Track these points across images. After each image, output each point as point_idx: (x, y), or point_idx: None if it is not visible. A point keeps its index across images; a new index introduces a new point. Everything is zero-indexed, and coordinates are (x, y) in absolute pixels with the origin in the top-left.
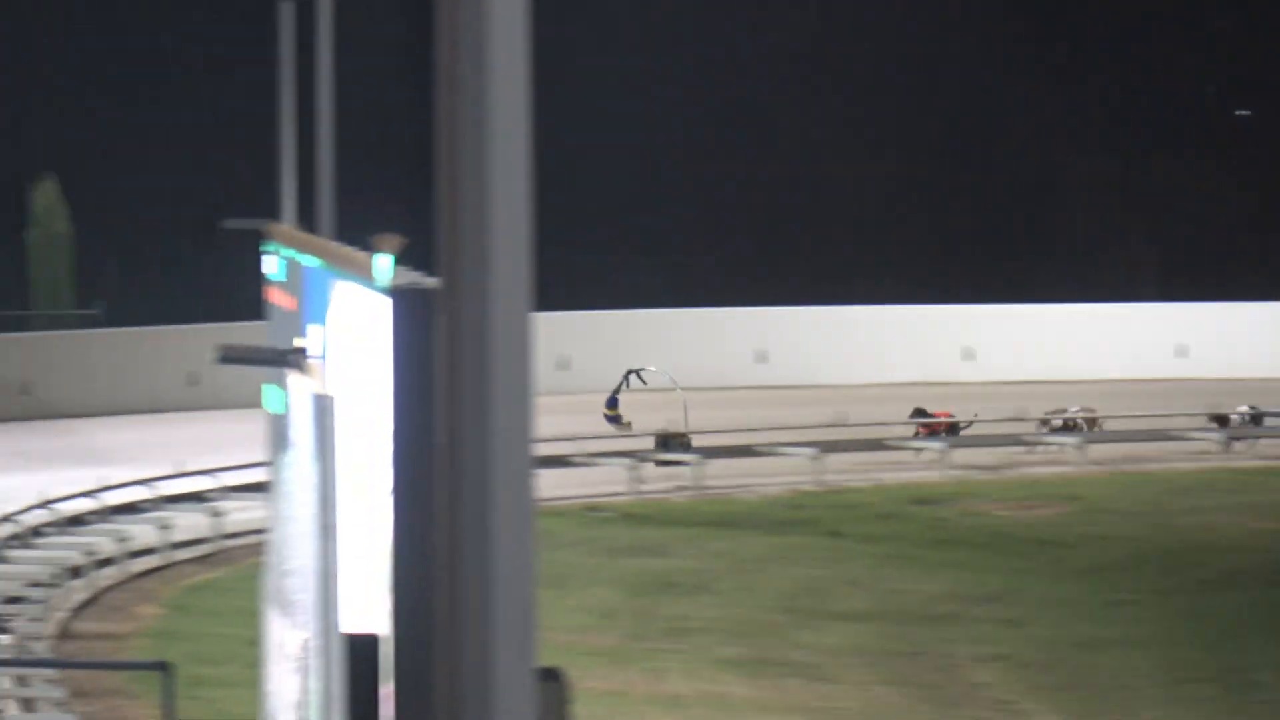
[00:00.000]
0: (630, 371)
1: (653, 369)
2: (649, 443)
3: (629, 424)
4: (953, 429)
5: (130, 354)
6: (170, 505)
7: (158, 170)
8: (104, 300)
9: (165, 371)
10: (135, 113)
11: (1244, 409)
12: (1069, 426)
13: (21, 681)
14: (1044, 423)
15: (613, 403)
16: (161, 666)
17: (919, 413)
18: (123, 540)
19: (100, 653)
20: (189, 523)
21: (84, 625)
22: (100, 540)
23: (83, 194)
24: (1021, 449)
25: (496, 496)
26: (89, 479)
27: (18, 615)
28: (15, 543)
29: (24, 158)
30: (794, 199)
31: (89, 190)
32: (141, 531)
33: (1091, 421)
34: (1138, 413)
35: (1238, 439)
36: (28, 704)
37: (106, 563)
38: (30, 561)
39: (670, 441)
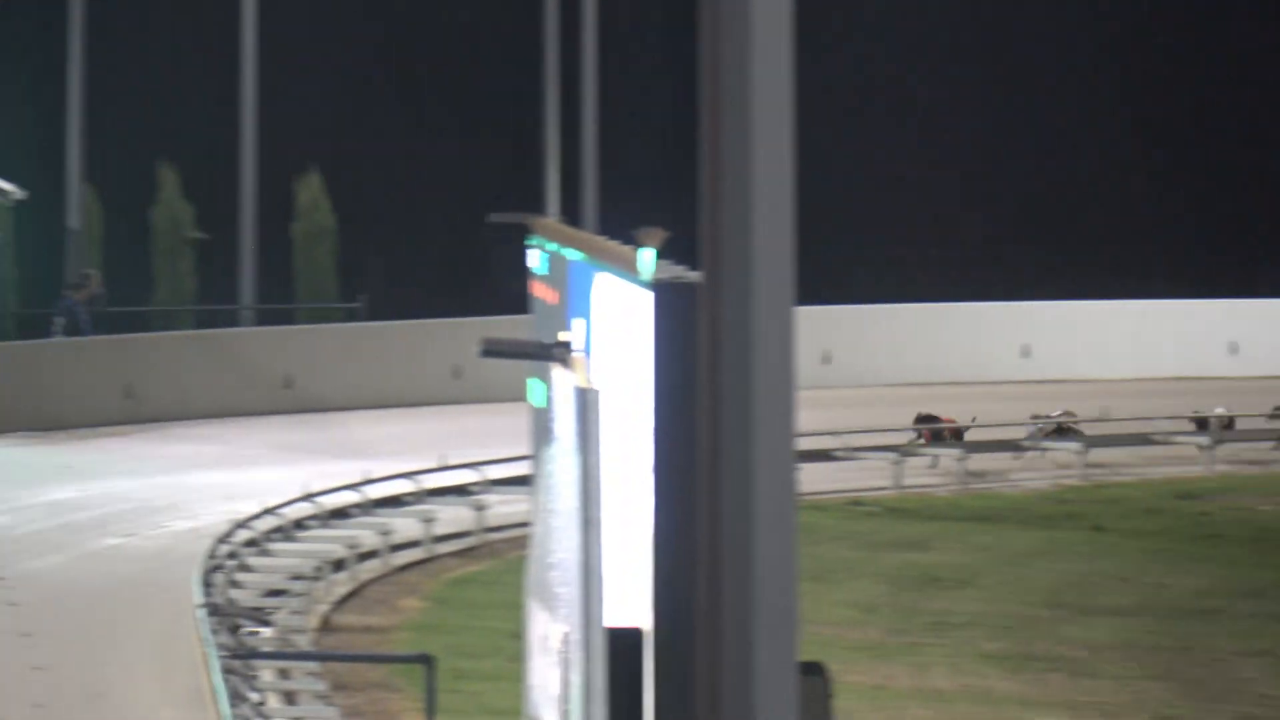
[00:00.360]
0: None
1: None
2: (909, 436)
3: None
4: (957, 434)
5: (393, 347)
6: (433, 498)
7: (422, 164)
8: (367, 294)
9: (428, 365)
10: (400, 106)
11: (1220, 410)
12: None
13: (283, 674)
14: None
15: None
16: (424, 660)
17: (926, 419)
18: (385, 533)
19: (362, 646)
20: (452, 516)
21: (346, 618)
22: (363, 533)
23: (346, 188)
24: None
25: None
26: (352, 472)
27: (280, 608)
28: (278, 536)
29: (288, 152)
30: (1062, 194)
31: (352, 184)
32: (404, 525)
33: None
34: None
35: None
36: (289, 696)
37: (369, 556)
38: (293, 554)
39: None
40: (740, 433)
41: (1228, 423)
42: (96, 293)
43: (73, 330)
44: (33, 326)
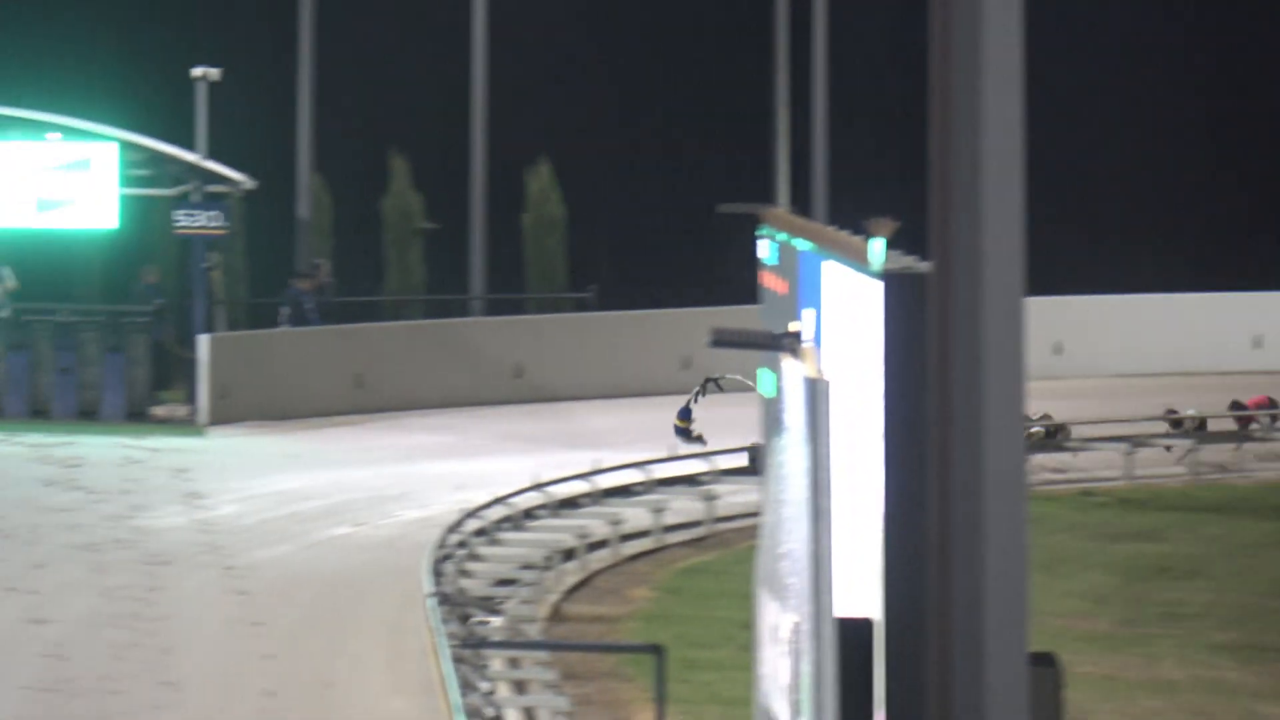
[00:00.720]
0: (709, 380)
1: (732, 376)
2: (1143, 428)
3: (699, 437)
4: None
5: (622, 337)
6: (663, 488)
7: (651, 154)
8: (597, 284)
9: (658, 355)
10: (630, 96)
11: (1191, 412)
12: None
13: (513, 663)
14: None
15: (685, 414)
16: (654, 649)
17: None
18: (615, 523)
19: (592, 635)
20: (682, 506)
21: (576, 608)
22: (592, 523)
23: (576, 177)
24: None
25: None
26: (581, 461)
27: (510, 597)
28: (508, 525)
29: (519, 142)
30: None
31: (582, 174)
32: (634, 514)
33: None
34: None
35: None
36: (519, 686)
37: (599, 545)
38: (523, 544)
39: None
40: (970, 422)
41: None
42: (325, 282)
43: (298, 320)
44: (263, 316)
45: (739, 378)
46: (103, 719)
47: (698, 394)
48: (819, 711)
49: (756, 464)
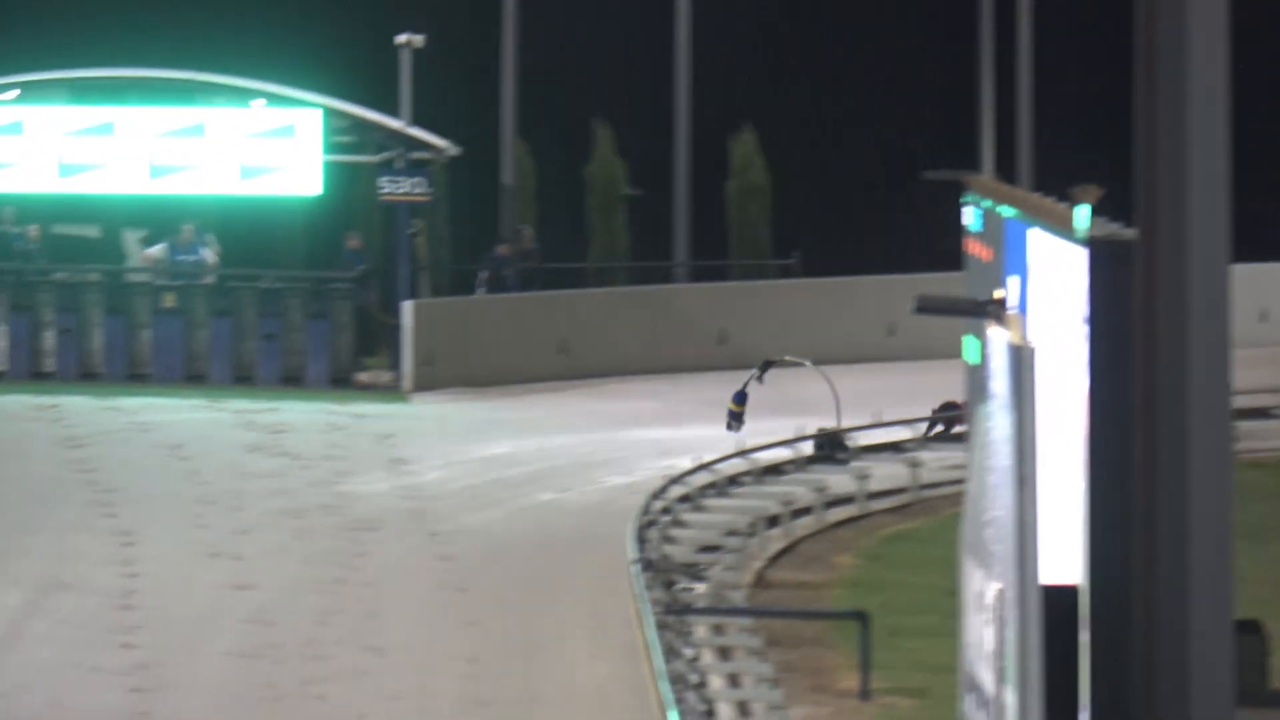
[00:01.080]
0: (767, 363)
1: (789, 358)
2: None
3: (737, 428)
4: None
5: (826, 304)
6: (867, 455)
7: (855, 119)
8: (800, 250)
9: (862, 321)
10: (833, 61)
11: None
12: None
13: (717, 630)
14: None
15: (740, 398)
16: (858, 616)
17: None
18: (819, 490)
19: (796, 602)
20: (886, 473)
21: (780, 574)
22: (797, 490)
23: (780, 143)
24: None
25: (1193, 447)
26: (786, 428)
27: (715, 564)
28: (712, 491)
29: (723, 108)
30: None
31: (786, 140)
32: (838, 481)
33: None
34: None
35: None
36: (724, 652)
37: (803, 512)
38: (727, 510)
39: None
40: (1176, 389)
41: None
42: (529, 249)
43: (497, 286)
44: (466, 283)
45: (795, 359)
46: (306, 685)
47: (755, 378)
48: (1023, 679)
49: (824, 449)
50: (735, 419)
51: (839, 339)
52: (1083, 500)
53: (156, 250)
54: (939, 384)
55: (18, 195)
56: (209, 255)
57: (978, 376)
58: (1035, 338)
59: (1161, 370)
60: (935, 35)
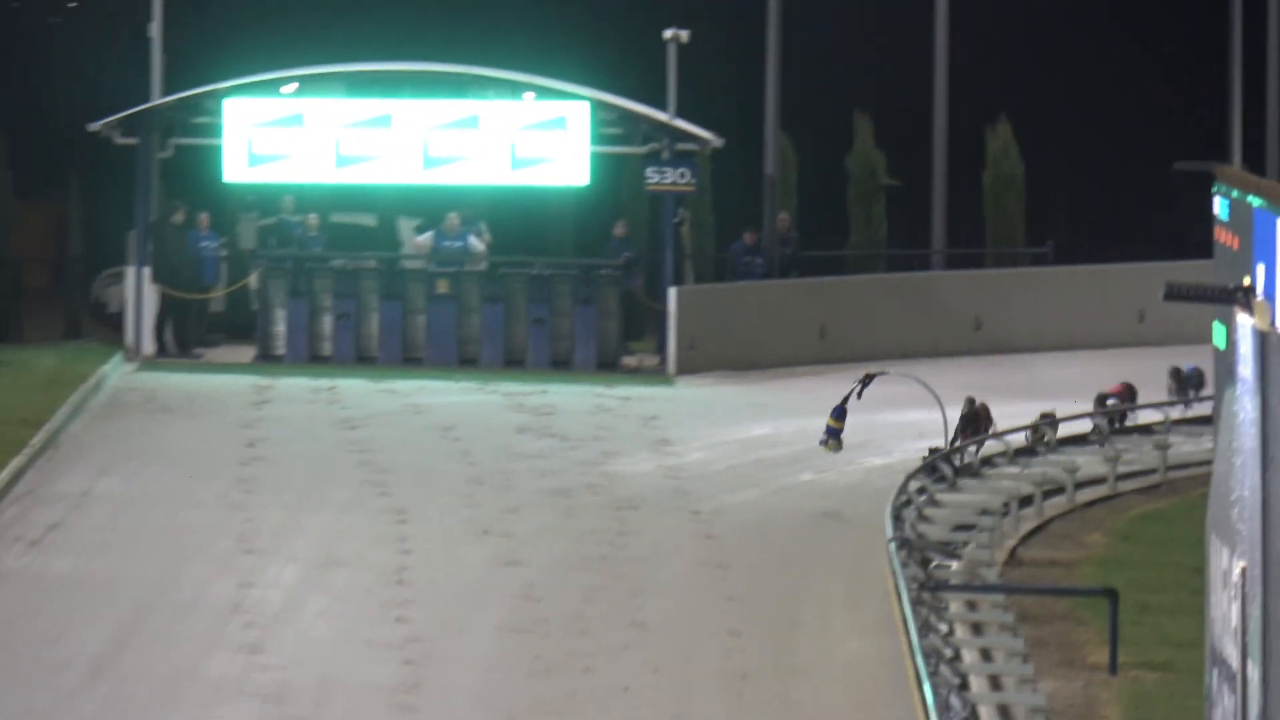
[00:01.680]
0: (868, 377)
1: (890, 371)
2: None
3: (835, 446)
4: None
5: (1078, 291)
6: (1116, 437)
7: (1105, 111)
8: (1053, 239)
9: (1113, 308)
10: (1084, 56)
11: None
12: None
13: (971, 606)
14: None
15: (840, 414)
16: (1108, 593)
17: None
18: (1071, 471)
19: (1047, 579)
20: (1135, 455)
21: (1032, 552)
22: (1049, 470)
23: (1034, 136)
24: None
25: None
26: (1037, 410)
27: (969, 542)
28: (965, 474)
29: (980, 102)
30: None
31: (1040, 132)
32: (1088, 463)
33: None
34: None
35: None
36: (977, 627)
37: (1055, 492)
38: (980, 490)
39: None
40: None
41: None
42: (787, 236)
43: (744, 274)
44: (729, 270)
45: (895, 372)
46: (572, 658)
47: (855, 393)
48: (1267, 654)
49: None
50: (833, 435)
51: (1090, 325)
52: None
53: (424, 238)
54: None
55: (297, 185)
56: (476, 243)
57: (1225, 361)
58: None
59: None
60: (1185, 28)
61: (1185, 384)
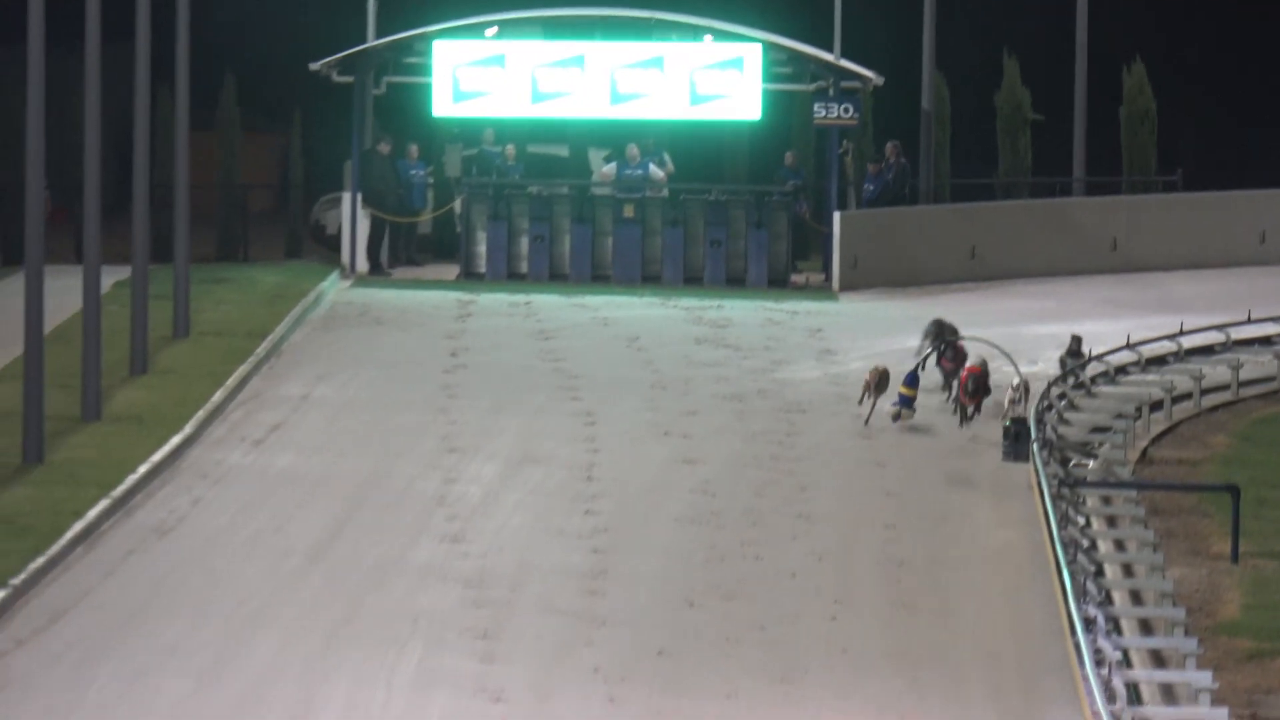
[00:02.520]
0: (942, 342)
1: (966, 336)
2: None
3: (909, 415)
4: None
5: (1205, 215)
6: (1240, 348)
7: (1231, 51)
8: (1181, 168)
9: (1237, 230)
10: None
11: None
12: None
13: (1106, 501)
14: None
15: (912, 380)
16: (1230, 489)
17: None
18: (1197, 378)
19: (1175, 476)
20: (1257, 363)
21: (1161, 452)
22: (1178, 378)
23: (1168, 72)
24: None
25: None
26: (1169, 325)
27: (1105, 443)
28: (1103, 379)
29: (1118, 43)
30: None
31: (1174, 68)
32: (1214, 371)
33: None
34: None
35: None
36: (1111, 520)
37: (1183, 398)
38: (1115, 397)
39: None
40: None
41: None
42: (896, 162)
43: (866, 198)
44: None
45: (973, 337)
46: (744, 547)
47: (928, 359)
48: None
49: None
50: (905, 404)
51: (1216, 246)
52: None
53: (609, 168)
54: None
55: (497, 119)
56: (656, 171)
57: None
58: None
59: None
60: None
61: None
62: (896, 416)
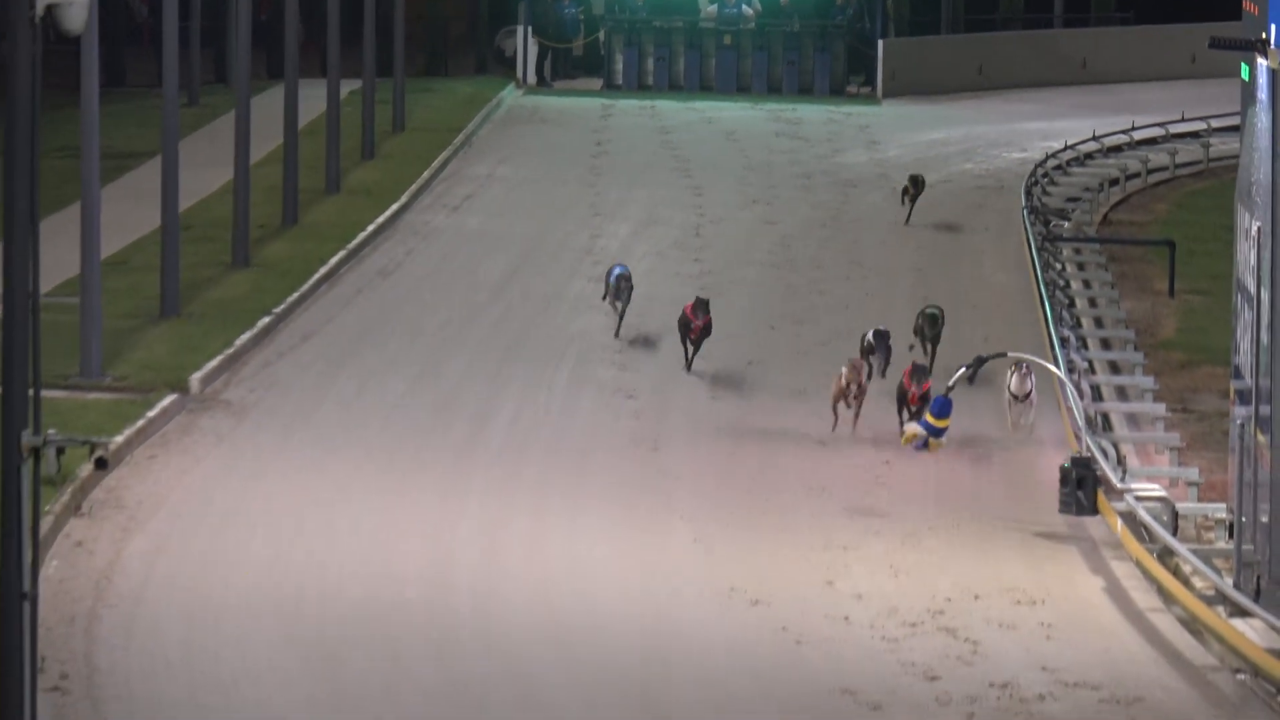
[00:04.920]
0: (979, 359)
1: (1012, 354)
2: None
3: (936, 446)
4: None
5: (1151, 42)
6: (1176, 140)
7: None
8: (1134, 9)
9: (1174, 54)
10: None
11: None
12: None
13: (1077, 251)
14: None
15: (943, 408)
16: (1169, 243)
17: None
18: (1144, 162)
19: (1127, 233)
20: (1189, 151)
21: (1118, 215)
22: (1130, 162)
23: None
24: None
25: None
26: (1124, 123)
27: (1076, 209)
28: (1074, 164)
29: None
30: None
31: None
32: (1156, 156)
33: None
34: None
35: None
36: (1080, 266)
37: (1134, 176)
38: (1083, 175)
39: None
40: None
41: None
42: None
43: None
44: (924, 28)
45: (1013, 354)
46: (812, 283)
47: (968, 377)
48: (1274, 283)
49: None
50: (935, 435)
51: (1159, 65)
52: None
53: (712, 8)
54: (1222, 95)
55: None
56: (747, 10)
57: (1249, 89)
58: None
59: None
60: None
61: None
62: (921, 445)
